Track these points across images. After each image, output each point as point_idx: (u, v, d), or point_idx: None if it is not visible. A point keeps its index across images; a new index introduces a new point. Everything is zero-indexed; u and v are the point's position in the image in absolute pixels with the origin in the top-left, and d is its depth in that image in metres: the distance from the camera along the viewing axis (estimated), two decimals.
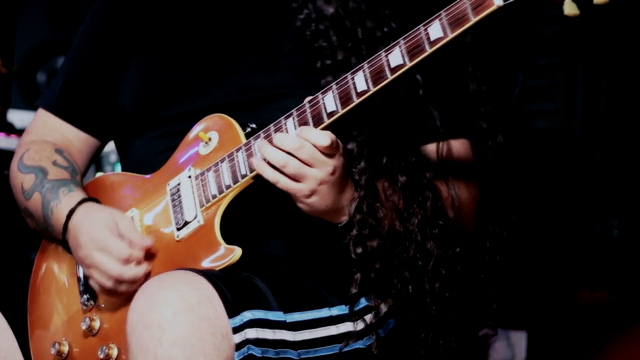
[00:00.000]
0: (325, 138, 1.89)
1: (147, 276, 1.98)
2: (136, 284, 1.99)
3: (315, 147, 1.90)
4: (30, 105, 4.51)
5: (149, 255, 2.03)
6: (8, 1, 4.59)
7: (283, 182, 1.92)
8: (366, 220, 1.96)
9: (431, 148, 2.10)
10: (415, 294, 2.00)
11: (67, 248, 2.12)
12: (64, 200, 2.12)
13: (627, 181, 3.26)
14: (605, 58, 3.34)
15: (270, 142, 1.94)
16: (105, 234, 2.01)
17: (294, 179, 1.91)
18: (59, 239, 2.13)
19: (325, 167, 1.91)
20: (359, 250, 1.96)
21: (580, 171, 3.36)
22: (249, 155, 1.97)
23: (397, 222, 2.00)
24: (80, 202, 2.11)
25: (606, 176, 3.30)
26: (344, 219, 1.99)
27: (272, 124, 1.97)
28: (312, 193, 1.92)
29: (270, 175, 1.92)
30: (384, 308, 2.07)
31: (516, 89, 3.42)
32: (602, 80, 3.35)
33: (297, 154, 1.90)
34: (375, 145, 2.00)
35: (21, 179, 2.22)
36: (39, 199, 2.16)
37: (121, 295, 2.01)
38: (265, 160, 1.93)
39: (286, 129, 1.94)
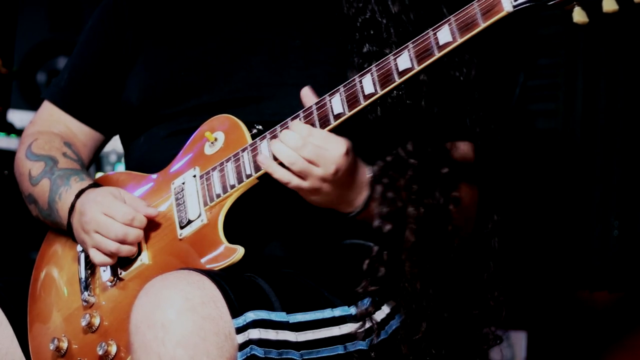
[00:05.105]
0: (317, 137, 1.90)
1: (150, 276, 1.99)
2: (135, 248, 2.03)
3: (310, 148, 1.90)
4: (31, 105, 4.51)
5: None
6: (8, 1, 4.59)
7: (287, 179, 1.91)
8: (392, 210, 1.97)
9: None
10: (411, 293, 2.00)
11: (70, 232, 2.13)
12: (74, 186, 2.15)
13: (627, 181, 3.26)
14: (605, 58, 3.34)
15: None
16: (110, 199, 2.05)
17: (300, 176, 1.92)
18: (62, 224, 2.14)
19: (328, 166, 1.90)
20: (388, 227, 1.97)
21: (580, 171, 3.36)
22: (255, 155, 1.97)
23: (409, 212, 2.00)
24: (91, 185, 2.14)
25: (606, 176, 3.30)
26: (354, 210, 1.99)
27: (278, 126, 1.97)
28: (314, 191, 1.92)
29: (279, 174, 1.92)
30: (386, 309, 2.08)
31: (516, 89, 3.43)
32: (602, 80, 3.35)
33: (300, 152, 1.90)
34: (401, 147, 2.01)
35: (30, 165, 2.24)
36: (48, 185, 2.18)
37: (121, 254, 2.03)
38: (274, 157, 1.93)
39: None
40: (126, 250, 2.03)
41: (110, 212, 2.02)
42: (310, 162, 1.90)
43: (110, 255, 2.04)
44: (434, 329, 2.01)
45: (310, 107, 1.95)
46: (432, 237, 1.99)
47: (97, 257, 2.05)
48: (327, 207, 1.98)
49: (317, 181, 1.91)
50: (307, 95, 1.97)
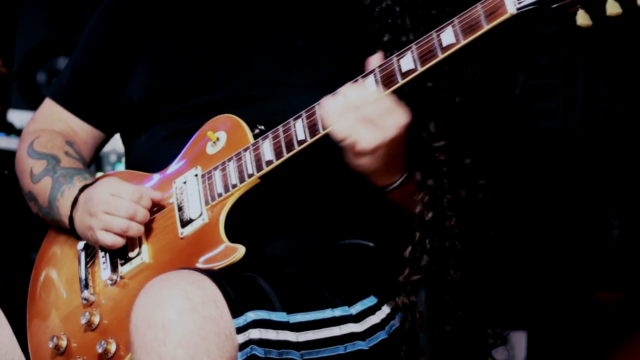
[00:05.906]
0: (385, 101, 1.87)
1: (150, 274, 1.99)
2: (143, 228, 2.04)
3: (375, 109, 1.86)
4: (31, 105, 4.52)
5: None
6: (8, 1, 4.60)
7: (345, 133, 1.87)
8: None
9: None
10: (451, 283, 2.00)
11: (71, 227, 2.13)
12: (78, 184, 2.15)
13: (627, 181, 3.27)
14: (605, 58, 3.34)
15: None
16: (117, 181, 2.07)
17: (358, 133, 1.87)
18: (62, 222, 2.15)
19: (389, 130, 1.87)
20: (430, 215, 1.97)
21: (580, 171, 3.36)
22: (257, 155, 1.97)
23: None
24: (94, 181, 2.14)
25: (606, 176, 3.30)
26: (391, 183, 1.98)
27: (280, 126, 1.97)
28: (370, 152, 1.88)
29: (337, 126, 1.88)
30: (386, 309, 2.08)
31: (516, 89, 3.43)
32: (602, 80, 3.35)
33: (356, 111, 1.86)
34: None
35: (31, 164, 2.24)
36: (49, 183, 2.19)
37: (131, 232, 2.04)
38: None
39: (295, 131, 1.94)
40: (135, 229, 2.03)
41: (118, 192, 2.04)
42: (365, 121, 1.86)
43: (120, 233, 2.03)
44: (465, 321, 2.01)
45: (314, 106, 1.93)
46: (471, 226, 2.00)
47: (107, 238, 2.04)
48: (371, 173, 1.95)
49: (375, 142, 1.87)
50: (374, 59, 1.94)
